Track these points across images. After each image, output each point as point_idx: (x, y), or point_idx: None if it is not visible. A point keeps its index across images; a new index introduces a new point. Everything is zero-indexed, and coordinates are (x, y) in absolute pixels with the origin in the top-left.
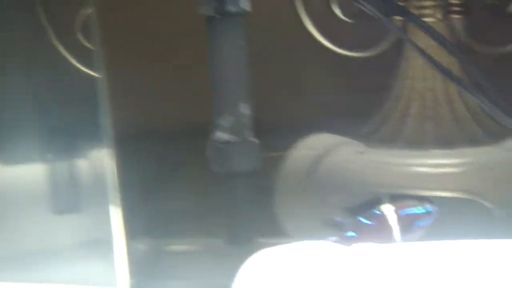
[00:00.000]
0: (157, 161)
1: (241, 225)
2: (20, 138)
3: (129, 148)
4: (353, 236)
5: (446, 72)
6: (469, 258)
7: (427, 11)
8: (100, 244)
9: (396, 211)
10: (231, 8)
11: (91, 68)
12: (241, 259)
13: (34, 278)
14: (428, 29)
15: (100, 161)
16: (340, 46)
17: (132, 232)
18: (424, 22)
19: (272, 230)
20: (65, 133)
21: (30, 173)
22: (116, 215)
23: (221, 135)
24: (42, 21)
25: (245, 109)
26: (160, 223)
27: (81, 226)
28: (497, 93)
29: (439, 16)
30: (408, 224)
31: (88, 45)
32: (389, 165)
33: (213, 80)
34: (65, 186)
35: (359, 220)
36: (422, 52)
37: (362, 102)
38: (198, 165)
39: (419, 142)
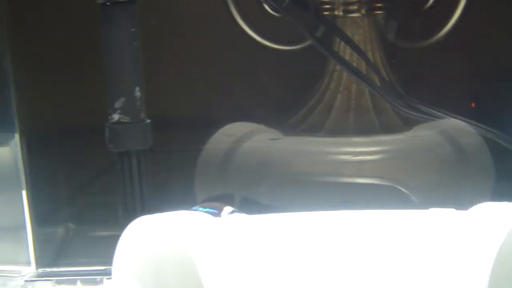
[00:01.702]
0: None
1: (134, 201)
2: None
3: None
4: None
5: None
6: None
7: (352, 7)
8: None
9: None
10: None
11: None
12: None
13: None
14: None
15: (9, 148)
16: (269, 40)
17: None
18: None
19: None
20: None
21: None
22: (25, 201)
23: (116, 116)
24: None
25: (138, 92)
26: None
27: None
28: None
29: (363, 12)
30: None
31: None
32: (309, 153)
33: (106, 65)
34: None
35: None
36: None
37: (292, 94)
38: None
39: (342, 131)
